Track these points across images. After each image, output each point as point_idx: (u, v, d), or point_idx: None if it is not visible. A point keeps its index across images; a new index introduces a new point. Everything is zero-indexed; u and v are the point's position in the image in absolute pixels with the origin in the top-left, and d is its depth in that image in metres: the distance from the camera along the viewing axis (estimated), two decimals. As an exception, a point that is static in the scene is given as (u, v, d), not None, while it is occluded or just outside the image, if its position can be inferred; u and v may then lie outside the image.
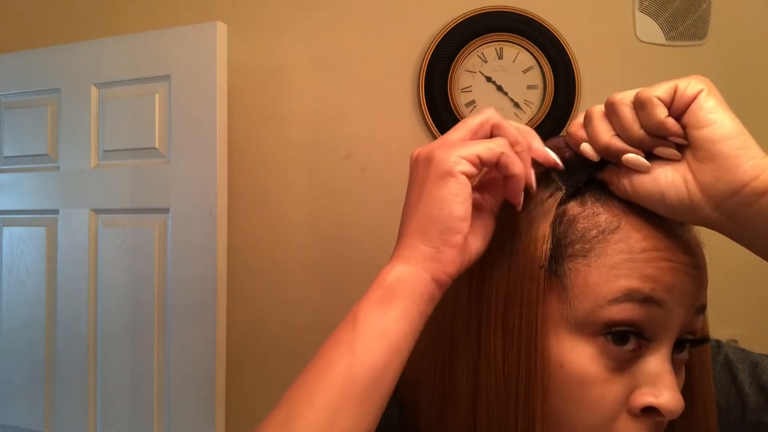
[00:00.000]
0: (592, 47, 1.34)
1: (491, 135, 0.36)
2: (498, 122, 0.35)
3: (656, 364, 0.34)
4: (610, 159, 0.35)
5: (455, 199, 0.33)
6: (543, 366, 0.34)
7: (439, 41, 1.35)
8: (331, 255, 1.40)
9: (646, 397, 0.33)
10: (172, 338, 1.22)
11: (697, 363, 0.40)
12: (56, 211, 1.35)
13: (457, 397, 0.37)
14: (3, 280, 1.41)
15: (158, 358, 1.24)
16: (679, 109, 0.32)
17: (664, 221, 0.35)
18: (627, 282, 0.33)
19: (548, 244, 0.35)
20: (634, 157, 0.34)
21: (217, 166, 1.19)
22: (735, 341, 1.23)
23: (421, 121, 1.38)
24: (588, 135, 0.36)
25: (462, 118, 1.33)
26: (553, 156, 0.37)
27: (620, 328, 0.33)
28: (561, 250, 0.36)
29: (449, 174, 0.33)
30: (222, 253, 1.20)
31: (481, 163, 0.33)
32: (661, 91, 0.32)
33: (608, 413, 0.34)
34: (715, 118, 0.31)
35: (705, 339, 0.38)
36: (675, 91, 0.32)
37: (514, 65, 1.35)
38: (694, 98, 0.31)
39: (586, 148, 0.36)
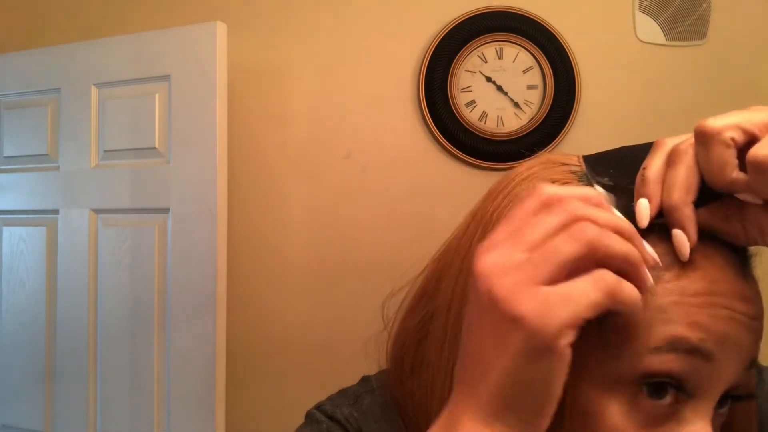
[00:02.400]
0: (592, 47, 1.34)
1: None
2: (606, 252, 0.26)
3: (695, 424, 0.29)
4: (666, 221, 0.30)
5: (555, 377, 0.26)
6: (570, 414, 0.30)
7: (439, 41, 1.35)
8: (331, 255, 1.40)
9: None
10: (172, 338, 1.22)
11: (741, 415, 0.35)
12: (56, 211, 1.35)
13: None
14: (3, 280, 1.41)
15: (158, 358, 1.24)
16: None
17: (727, 263, 0.31)
18: (673, 328, 0.29)
19: None
20: (681, 238, 0.29)
21: (217, 166, 1.19)
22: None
23: (421, 121, 1.38)
24: (666, 182, 0.30)
25: (462, 119, 1.34)
26: (658, 261, 0.30)
27: (659, 379, 0.29)
28: None
29: (549, 350, 0.25)
30: (222, 253, 1.20)
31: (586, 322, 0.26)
32: None
33: None
34: None
35: (751, 395, 0.33)
36: None
37: (514, 65, 1.35)
38: None
39: (642, 209, 0.30)
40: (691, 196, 0.29)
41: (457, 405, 0.28)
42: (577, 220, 0.26)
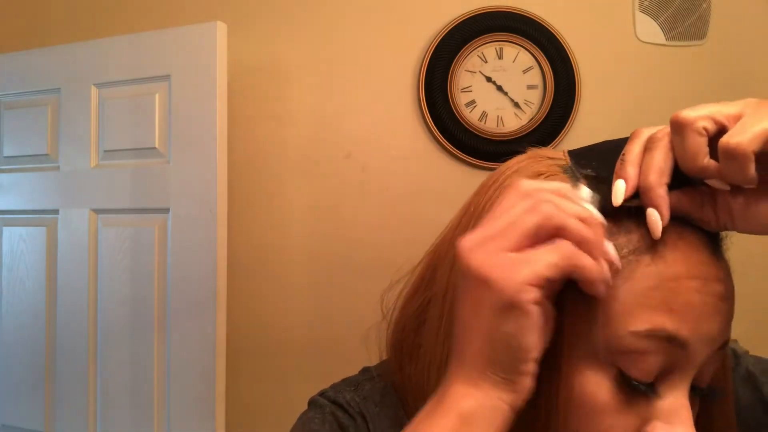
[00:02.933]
0: (592, 47, 1.34)
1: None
2: (560, 223, 0.29)
3: (673, 398, 0.32)
4: (642, 202, 0.32)
5: (524, 332, 0.29)
6: (565, 391, 0.32)
7: (439, 41, 1.35)
8: (331, 254, 1.40)
9: (658, 431, 0.31)
10: (172, 338, 1.22)
11: (720, 416, 0.37)
12: (56, 211, 1.35)
13: None
14: (3, 280, 1.41)
15: (158, 358, 1.24)
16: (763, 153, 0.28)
17: (700, 246, 0.32)
18: (653, 316, 0.31)
19: None
20: (655, 216, 0.31)
21: (217, 166, 1.19)
22: (735, 341, 1.23)
23: (421, 121, 1.38)
24: (643, 166, 0.32)
25: (462, 119, 1.34)
26: (616, 260, 0.31)
27: None
28: None
29: (515, 306, 0.28)
30: (222, 253, 1.20)
31: (548, 282, 0.29)
32: (750, 135, 0.28)
33: None
34: None
35: (724, 390, 0.35)
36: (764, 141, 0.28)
37: (514, 65, 1.35)
38: None
39: (618, 187, 0.32)
40: (665, 179, 0.31)
41: (450, 373, 0.32)
42: (541, 202, 0.30)
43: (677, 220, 0.32)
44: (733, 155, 0.28)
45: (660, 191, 0.31)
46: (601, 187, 0.34)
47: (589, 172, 0.35)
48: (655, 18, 1.33)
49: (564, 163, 0.37)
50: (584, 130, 1.34)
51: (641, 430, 0.31)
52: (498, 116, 1.35)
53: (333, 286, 1.40)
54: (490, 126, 1.35)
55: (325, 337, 1.39)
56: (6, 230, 1.42)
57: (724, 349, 0.34)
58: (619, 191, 0.32)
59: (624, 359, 0.31)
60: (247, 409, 1.42)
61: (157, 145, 1.26)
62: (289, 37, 1.43)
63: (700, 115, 0.30)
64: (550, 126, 1.32)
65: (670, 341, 0.31)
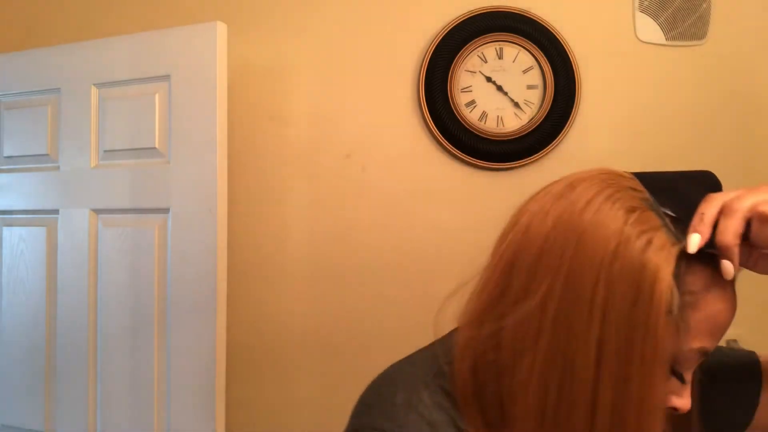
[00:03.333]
0: (592, 47, 1.34)
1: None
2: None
3: (687, 381, 0.44)
4: (717, 252, 0.41)
5: None
6: (658, 393, 0.41)
7: (439, 41, 1.35)
8: (331, 255, 1.40)
9: (675, 402, 0.44)
10: (172, 338, 1.22)
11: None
12: (56, 211, 1.35)
13: (572, 411, 0.41)
14: (3, 280, 1.41)
15: (158, 358, 1.24)
16: None
17: (732, 285, 0.43)
18: (704, 340, 0.42)
19: (675, 292, 0.40)
20: (729, 266, 0.41)
21: (217, 166, 1.19)
22: (735, 341, 1.23)
23: (421, 121, 1.38)
24: (721, 227, 0.41)
25: (462, 119, 1.34)
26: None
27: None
28: (680, 297, 0.41)
29: None
30: (222, 253, 1.20)
31: None
32: None
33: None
34: None
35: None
36: None
37: (514, 65, 1.35)
38: None
39: (694, 240, 0.41)
40: (739, 240, 0.40)
41: None
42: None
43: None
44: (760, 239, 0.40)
45: (735, 250, 0.40)
46: (681, 229, 0.42)
47: (668, 211, 0.43)
48: (655, 18, 1.33)
49: (646, 195, 0.43)
50: (584, 130, 1.34)
51: (666, 400, 0.44)
52: (498, 116, 1.35)
53: (333, 285, 1.40)
54: (490, 126, 1.35)
55: (325, 337, 1.39)
56: (6, 230, 1.42)
57: None
58: (695, 242, 0.40)
59: (681, 365, 0.43)
60: (247, 409, 1.42)
61: (157, 145, 1.26)
62: (289, 37, 1.43)
63: (746, 206, 0.40)
64: (550, 126, 1.32)
65: (706, 354, 0.43)
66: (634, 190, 0.43)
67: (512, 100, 1.35)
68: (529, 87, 1.34)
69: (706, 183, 0.46)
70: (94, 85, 1.31)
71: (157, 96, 1.25)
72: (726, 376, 0.56)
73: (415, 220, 1.37)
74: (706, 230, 0.41)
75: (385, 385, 0.49)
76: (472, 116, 1.35)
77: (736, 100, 1.32)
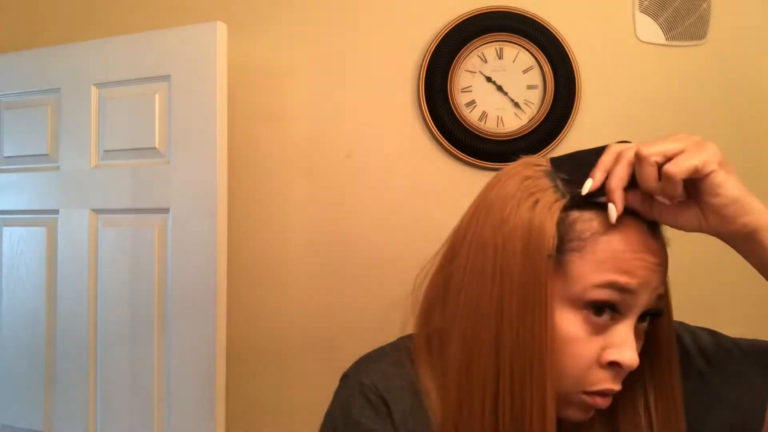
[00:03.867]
0: (592, 47, 1.34)
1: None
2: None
3: (622, 330, 0.47)
4: (605, 198, 0.46)
5: None
6: (551, 329, 0.46)
7: (439, 41, 1.35)
8: (331, 255, 1.40)
9: (612, 355, 0.46)
10: (172, 338, 1.22)
11: (663, 327, 0.53)
12: (56, 211, 1.35)
13: (481, 352, 0.48)
14: (3, 280, 1.41)
15: (158, 358, 1.24)
16: (695, 179, 0.44)
17: (642, 228, 0.47)
18: (609, 275, 0.45)
19: (555, 238, 0.47)
20: (612, 209, 0.46)
21: (217, 166, 1.19)
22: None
23: (421, 121, 1.38)
24: (610, 173, 0.46)
25: (462, 119, 1.34)
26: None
27: (600, 304, 0.46)
28: (563, 245, 0.47)
29: None
30: (222, 253, 1.20)
31: None
32: (682, 168, 0.42)
33: (585, 365, 0.47)
34: (722, 191, 0.43)
35: (658, 311, 0.50)
36: (695, 170, 0.42)
37: (514, 65, 1.35)
38: (708, 175, 0.43)
39: (587, 184, 0.47)
40: (623, 183, 0.45)
41: None
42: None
43: (628, 211, 0.46)
44: (668, 178, 0.42)
45: (618, 192, 0.45)
46: (572, 187, 0.48)
47: (563, 176, 0.49)
48: (655, 18, 1.33)
49: (547, 168, 0.50)
50: (584, 130, 1.34)
51: (600, 355, 0.47)
52: (498, 116, 1.35)
53: (333, 285, 1.40)
54: (490, 126, 1.35)
55: (325, 337, 1.39)
56: (6, 230, 1.42)
57: (663, 299, 0.50)
58: (586, 186, 0.47)
59: (593, 301, 0.46)
60: (247, 409, 1.42)
61: (157, 145, 1.26)
62: (289, 37, 1.43)
63: (654, 151, 0.43)
64: (550, 126, 1.32)
65: (622, 290, 0.45)
66: (537, 165, 0.51)
67: (512, 100, 1.35)
68: (529, 87, 1.34)
69: None
70: (94, 85, 1.31)
71: (157, 96, 1.25)
72: (734, 361, 0.55)
73: (415, 220, 1.37)
74: (599, 175, 0.46)
75: (362, 359, 0.59)
76: (472, 116, 1.35)
77: (735, 100, 1.32)
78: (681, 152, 0.43)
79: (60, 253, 1.34)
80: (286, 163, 1.42)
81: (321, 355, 1.39)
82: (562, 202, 0.47)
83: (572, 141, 1.34)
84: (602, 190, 0.46)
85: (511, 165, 0.53)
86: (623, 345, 0.46)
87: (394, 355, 0.56)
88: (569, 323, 0.47)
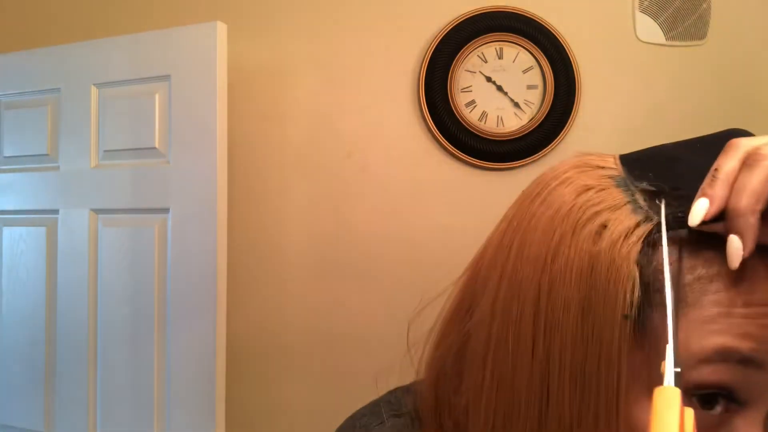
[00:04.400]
0: (592, 47, 1.34)
1: None
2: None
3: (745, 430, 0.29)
4: (724, 225, 0.29)
5: None
6: (623, 426, 0.29)
7: (439, 41, 1.35)
8: (331, 255, 1.40)
9: None
10: (172, 338, 1.22)
11: None
12: (56, 211, 1.35)
13: None
14: (3, 280, 1.41)
15: (158, 358, 1.24)
16: None
17: (758, 270, 0.29)
18: (722, 339, 0.28)
19: (636, 289, 0.29)
20: (736, 244, 0.27)
21: (217, 166, 1.19)
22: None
23: (421, 121, 1.38)
24: (737, 184, 0.28)
25: (462, 118, 1.33)
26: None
27: (709, 389, 0.28)
28: (649, 297, 0.29)
29: None
30: (222, 253, 1.20)
31: None
32: None
33: None
34: None
35: None
36: None
37: (514, 65, 1.35)
38: None
39: (699, 208, 0.28)
40: (761, 205, 0.27)
41: None
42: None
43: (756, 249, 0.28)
44: None
45: (751, 220, 0.27)
46: (662, 203, 0.30)
47: (645, 185, 0.31)
48: (655, 18, 1.33)
49: (616, 172, 0.33)
50: (584, 130, 1.34)
51: None
52: (498, 116, 1.35)
53: (333, 285, 1.40)
54: (490, 126, 1.35)
55: (325, 338, 1.39)
56: (6, 230, 1.42)
57: None
58: (699, 211, 0.28)
59: (691, 382, 0.28)
60: (247, 409, 1.42)
61: (157, 145, 1.26)
62: (289, 37, 1.43)
63: None
64: (550, 126, 1.32)
65: (744, 363, 0.28)
66: (601, 167, 0.34)
67: (512, 100, 1.35)
68: (529, 87, 1.34)
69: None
70: (94, 85, 1.31)
71: (157, 96, 1.25)
72: None
73: (414, 220, 1.37)
74: (720, 190, 0.28)
75: (348, 427, 0.44)
76: (472, 116, 1.35)
77: (736, 100, 1.32)
78: None
79: (60, 253, 1.34)
80: (286, 163, 1.42)
81: (321, 355, 1.39)
82: (647, 227, 0.30)
83: (572, 141, 1.34)
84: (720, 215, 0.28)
85: (560, 165, 0.36)
86: None
87: (393, 424, 0.42)
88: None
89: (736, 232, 0.27)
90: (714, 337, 0.28)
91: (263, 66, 1.43)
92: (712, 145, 0.32)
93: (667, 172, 0.32)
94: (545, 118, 1.32)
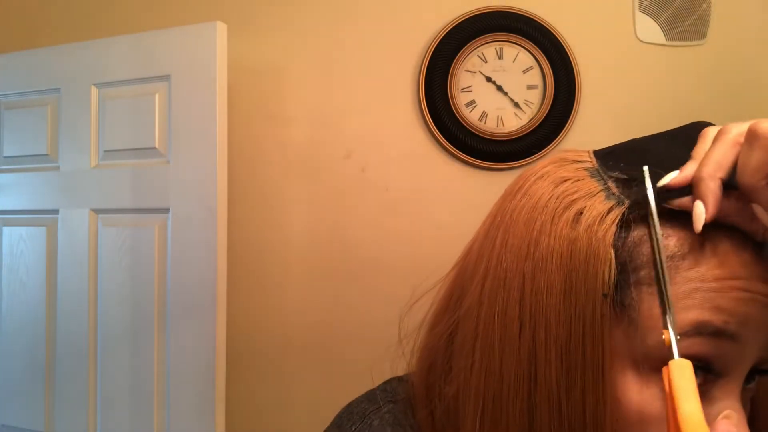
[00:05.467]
0: (592, 47, 1.34)
1: None
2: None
3: (725, 401, 0.30)
4: (692, 192, 0.31)
5: None
6: (611, 405, 0.31)
7: (439, 41, 1.35)
8: (331, 254, 1.40)
9: None
10: (172, 338, 1.22)
11: (763, 391, 0.35)
12: (56, 211, 1.35)
13: (508, 427, 0.33)
14: (3, 280, 1.41)
15: (158, 358, 1.24)
16: None
17: (743, 247, 0.31)
18: (697, 314, 0.30)
19: (613, 268, 0.31)
20: (699, 208, 0.30)
21: (217, 166, 1.19)
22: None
23: (421, 121, 1.38)
24: (704, 157, 0.31)
25: (462, 119, 1.34)
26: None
27: None
28: (625, 276, 0.31)
29: None
30: (222, 253, 1.20)
31: None
32: None
33: None
34: None
35: None
36: None
37: (514, 65, 1.35)
38: None
39: (669, 176, 0.32)
40: (721, 173, 0.29)
41: None
42: None
43: (723, 226, 0.31)
44: None
45: (711, 185, 0.29)
46: (633, 188, 0.33)
47: (617, 174, 0.34)
48: (655, 18, 1.33)
49: (590, 165, 0.36)
50: (584, 130, 1.34)
51: None
52: (498, 116, 1.35)
53: (333, 285, 1.40)
54: (490, 126, 1.35)
55: (325, 337, 1.39)
56: (6, 230, 1.42)
57: None
58: (667, 176, 0.31)
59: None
60: (247, 409, 1.42)
61: (157, 145, 1.26)
62: (289, 37, 1.43)
63: (738, 129, 0.29)
64: (550, 126, 1.32)
65: (718, 336, 0.29)
66: (577, 161, 0.37)
67: (512, 100, 1.35)
68: (529, 87, 1.34)
69: (694, 136, 0.34)
70: (94, 85, 1.31)
71: (157, 96, 1.25)
72: None
73: (414, 220, 1.37)
74: (690, 168, 0.31)
75: (345, 414, 0.46)
76: (472, 116, 1.35)
77: (735, 100, 1.32)
78: None
79: (60, 253, 1.34)
80: (286, 163, 1.42)
81: (321, 355, 1.39)
82: (619, 210, 0.32)
83: (572, 141, 1.34)
84: (687, 189, 0.31)
85: (539, 162, 0.38)
86: (726, 424, 0.30)
87: (389, 409, 0.43)
88: (638, 395, 0.31)
89: (698, 197, 0.30)
90: (688, 312, 0.30)
91: (263, 66, 1.43)
92: (679, 137, 0.37)
93: (638, 161, 0.34)
94: (545, 118, 1.32)
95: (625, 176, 0.34)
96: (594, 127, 1.34)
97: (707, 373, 0.30)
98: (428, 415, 0.40)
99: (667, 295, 0.30)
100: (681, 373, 0.27)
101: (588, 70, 1.34)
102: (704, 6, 1.32)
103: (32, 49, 1.41)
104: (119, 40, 1.29)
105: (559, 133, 1.33)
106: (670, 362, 0.28)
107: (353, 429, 0.43)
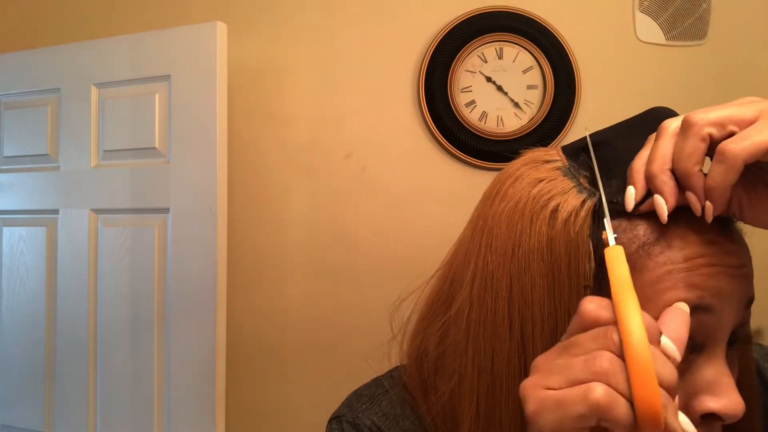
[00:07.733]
0: (592, 47, 1.34)
1: None
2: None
3: (712, 368, 0.32)
4: (650, 188, 0.33)
5: None
6: None
7: (439, 41, 1.35)
8: (331, 255, 1.40)
9: (705, 404, 0.31)
10: (172, 338, 1.22)
11: (741, 356, 0.37)
12: (56, 211, 1.35)
13: (502, 423, 0.35)
14: (3, 280, 1.41)
15: (158, 358, 1.24)
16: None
17: (706, 225, 0.33)
18: (672, 294, 0.32)
19: (591, 260, 0.33)
20: (660, 203, 0.32)
21: (217, 166, 1.19)
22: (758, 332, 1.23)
23: (421, 121, 1.38)
24: (650, 153, 0.33)
25: (462, 119, 1.34)
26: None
27: None
28: (603, 269, 0.33)
29: None
30: (222, 253, 1.20)
31: None
32: (746, 146, 0.28)
33: None
34: None
35: (748, 334, 0.35)
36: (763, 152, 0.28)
37: (514, 65, 1.35)
38: None
39: (629, 195, 0.34)
40: (668, 165, 0.32)
41: None
42: (598, 355, 0.26)
43: (686, 208, 0.32)
44: (723, 160, 0.29)
45: (663, 177, 0.32)
46: (603, 183, 0.35)
47: (586, 173, 0.37)
48: (655, 18, 1.33)
49: (561, 164, 0.38)
50: (584, 130, 1.34)
51: (689, 405, 0.32)
52: (498, 116, 1.35)
53: (332, 285, 1.40)
54: (490, 126, 1.35)
55: (325, 337, 1.39)
56: (6, 230, 1.42)
57: (750, 305, 0.35)
58: (629, 198, 0.33)
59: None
60: (247, 409, 1.42)
61: (157, 145, 1.26)
62: (289, 37, 1.43)
63: (710, 119, 0.30)
64: (550, 126, 1.32)
65: (695, 311, 0.31)
66: (548, 162, 0.39)
67: (512, 100, 1.35)
68: (529, 87, 1.34)
69: (653, 124, 0.35)
70: (94, 85, 1.31)
71: (157, 96, 1.25)
72: None
73: (415, 220, 1.37)
74: (638, 176, 0.33)
75: (354, 396, 0.48)
76: (472, 116, 1.35)
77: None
78: (752, 121, 0.29)
79: (60, 253, 1.34)
80: (286, 163, 1.42)
81: (321, 355, 1.39)
82: (592, 202, 0.35)
83: (572, 141, 1.34)
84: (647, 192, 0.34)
85: (512, 165, 0.40)
86: (718, 387, 0.32)
87: (397, 392, 0.45)
88: None
89: (656, 192, 0.32)
90: (665, 293, 0.32)
91: (263, 66, 1.43)
92: (637, 126, 0.40)
93: (605, 155, 0.37)
94: (545, 118, 1.32)
95: (590, 175, 0.37)
96: (594, 127, 1.33)
97: (692, 348, 0.32)
98: (427, 411, 0.42)
99: (603, 203, 0.33)
100: (614, 253, 0.30)
101: (588, 70, 1.34)
102: (704, 6, 1.32)
103: (32, 49, 1.41)
104: (119, 40, 1.29)
105: (559, 133, 1.33)
106: (606, 249, 0.31)
107: (363, 407, 0.45)
